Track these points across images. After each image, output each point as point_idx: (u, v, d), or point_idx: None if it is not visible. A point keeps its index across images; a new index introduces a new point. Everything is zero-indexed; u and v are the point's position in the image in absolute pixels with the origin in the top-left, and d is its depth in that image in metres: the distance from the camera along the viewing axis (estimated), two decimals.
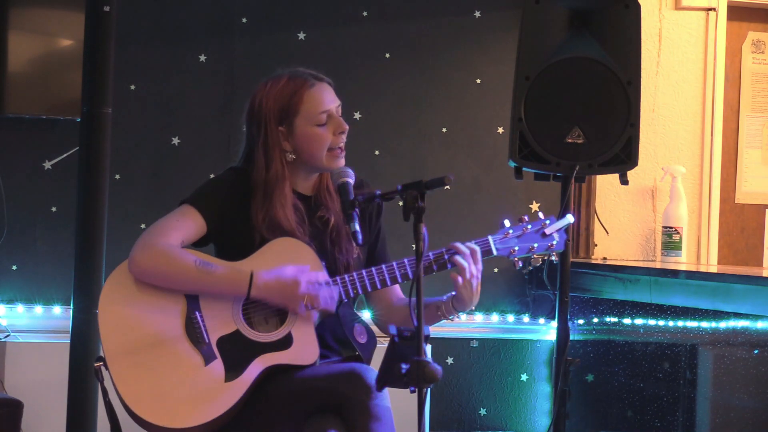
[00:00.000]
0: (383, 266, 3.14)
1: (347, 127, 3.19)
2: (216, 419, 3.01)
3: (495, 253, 3.18)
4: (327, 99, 3.20)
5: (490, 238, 3.19)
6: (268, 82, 3.25)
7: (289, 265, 3.08)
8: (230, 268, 3.08)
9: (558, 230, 3.20)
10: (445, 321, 3.27)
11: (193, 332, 3.07)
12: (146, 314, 3.08)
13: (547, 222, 3.21)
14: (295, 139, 3.20)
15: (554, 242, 3.21)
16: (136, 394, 3.01)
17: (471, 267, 3.12)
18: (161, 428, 3.00)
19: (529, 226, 3.20)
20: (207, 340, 3.07)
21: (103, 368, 3.07)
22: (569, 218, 3.23)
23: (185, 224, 3.14)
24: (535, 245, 3.19)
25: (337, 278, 3.12)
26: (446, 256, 3.14)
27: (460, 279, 3.11)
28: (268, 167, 3.19)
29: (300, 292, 3.04)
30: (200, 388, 3.02)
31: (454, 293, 3.18)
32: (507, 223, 3.21)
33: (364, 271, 3.13)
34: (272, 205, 3.17)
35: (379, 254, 3.32)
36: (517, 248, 3.18)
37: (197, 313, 3.08)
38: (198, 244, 3.19)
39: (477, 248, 3.15)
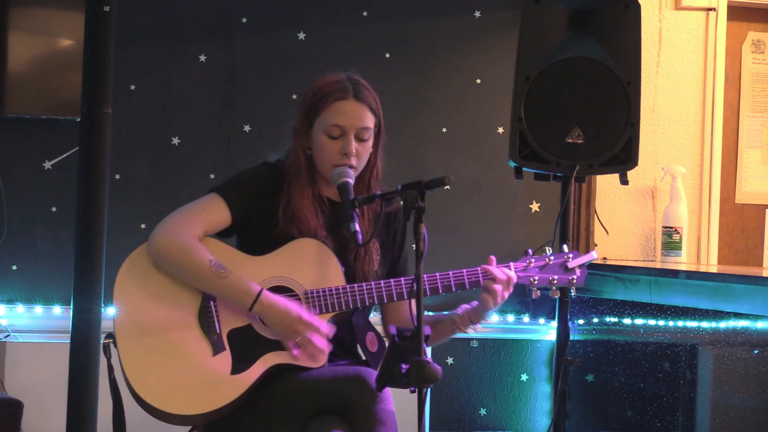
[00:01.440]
0: (402, 279, 3.15)
1: (353, 152, 3.16)
2: (216, 410, 3.02)
3: (515, 280, 3.21)
4: (347, 116, 3.17)
5: (511, 265, 3.20)
6: (326, 75, 3.25)
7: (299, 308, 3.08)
8: (241, 278, 3.08)
9: (580, 265, 3.23)
10: None
11: (206, 321, 3.08)
12: (162, 297, 3.09)
13: (570, 256, 3.23)
14: (309, 138, 3.22)
15: (575, 277, 3.23)
16: (141, 375, 3.03)
17: (504, 292, 3.14)
18: (161, 412, 3.02)
19: (552, 258, 3.22)
20: (218, 331, 3.08)
21: (111, 345, 3.09)
22: (593, 255, 3.29)
23: (211, 214, 3.15)
24: (556, 278, 3.22)
25: (355, 286, 3.13)
26: (482, 281, 3.15)
27: (491, 300, 3.13)
28: (292, 153, 3.22)
29: (297, 329, 3.04)
30: (205, 377, 3.03)
31: (467, 306, 3.20)
32: (530, 252, 3.23)
33: (382, 282, 3.14)
34: (291, 192, 3.18)
35: (400, 269, 3.33)
36: (537, 278, 3.21)
37: (212, 302, 3.09)
38: (221, 235, 3.20)
39: (513, 276, 3.16)
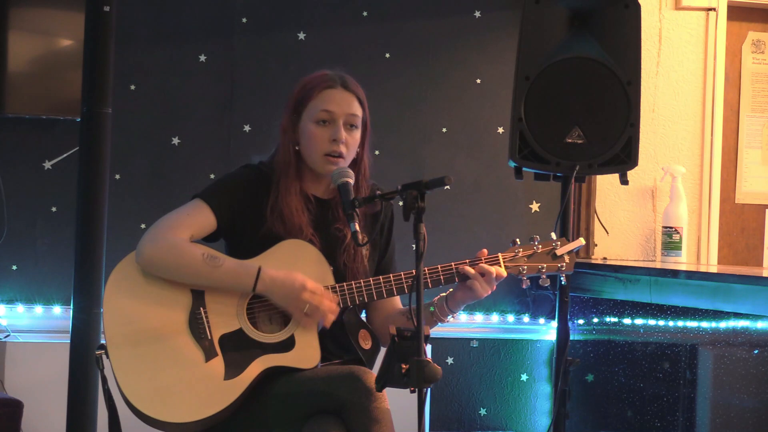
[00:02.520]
0: (390, 276, 3.14)
1: (343, 138, 3.16)
2: (212, 416, 3.02)
3: (503, 275, 3.20)
4: (335, 102, 3.18)
5: (500, 255, 3.20)
6: (314, 72, 3.26)
7: (299, 273, 3.09)
8: (237, 262, 3.09)
9: (569, 252, 3.23)
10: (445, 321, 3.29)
11: (196, 328, 3.08)
12: (151, 306, 3.09)
13: (558, 243, 3.23)
14: (297, 131, 3.22)
15: (564, 264, 3.23)
16: (134, 385, 3.02)
17: (491, 283, 3.14)
18: (156, 421, 3.01)
19: (540, 247, 3.22)
20: (209, 337, 3.07)
21: (104, 356, 3.09)
22: (581, 241, 3.27)
23: (195, 219, 3.15)
24: (545, 266, 3.21)
25: (344, 285, 3.13)
26: (456, 274, 3.15)
27: (479, 288, 3.13)
28: (281, 150, 3.22)
29: (303, 297, 3.05)
30: (199, 384, 3.03)
31: (443, 294, 3.20)
32: (517, 241, 3.22)
33: (371, 280, 3.13)
34: (279, 191, 3.18)
35: (386, 264, 3.33)
36: (525, 268, 3.20)
37: (202, 308, 3.09)
38: (208, 240, 3.20)
39: (503, 273, 3.16)
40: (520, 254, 3.21)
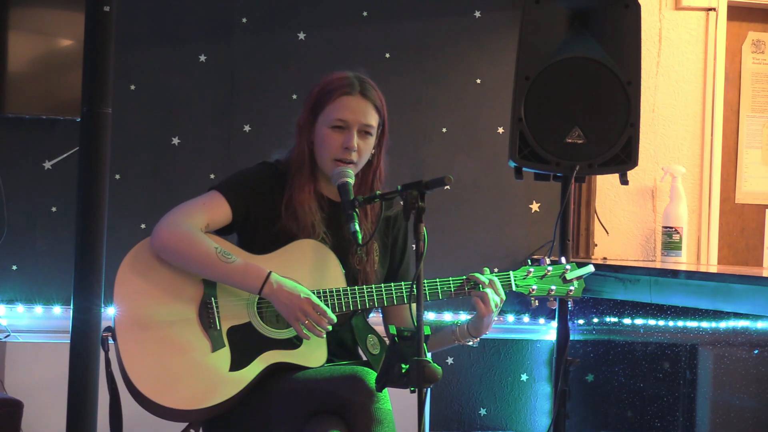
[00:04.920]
0: (402, 284, 3.15)
1: (355, 146, 3.17)
2: (213, 407, 3.02)
3: (514, 289, 3.25)
4: (352, 110, 3.18)
5: (511, 273, 3.24)
6: (334, 72, 3.26)
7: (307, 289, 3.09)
8: (248, 263, 3.09)
9: (578, 277, 3.28)
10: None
11: (206, 317, 3.09)
12: (163, 292, 3.10)
13: (568, 267, 3.28)
14: (312, 132, 3.23)
15: (573, 288, 3.28)
16: (139, 368, 3.03)
17: (494, 296, 3.16)
18: (159, 406, 3.02)
19: (551, 269, 3.26)
20: (218, 327, 3.08)
21: (109, 339, 3.10)
22: (590, 268, 3.34)
23: (212, 209, 3.16)
24: (554, 288, 3.26)
25: (356, 288, 3.13)
26: (466, 288, 3.18)
27: (483, 305, 3.15)
28: (296, 148, 3.24)
29: (305, 310, 3.05)
30: (203, 373, 3.04)
31: (467, 320, 3.22)
32: (529, 262, 3.29)
33: (383, 286, 3.14)
34: (293, 188, 3.19)
35: (401, 276, 3.33)
36: (536, 288, 3.24)
37: (213, 298, 3.10)
38: (221, 232, 3.21)
39: (495, 279, 3.19)
40: (531, 274, 3.25)
